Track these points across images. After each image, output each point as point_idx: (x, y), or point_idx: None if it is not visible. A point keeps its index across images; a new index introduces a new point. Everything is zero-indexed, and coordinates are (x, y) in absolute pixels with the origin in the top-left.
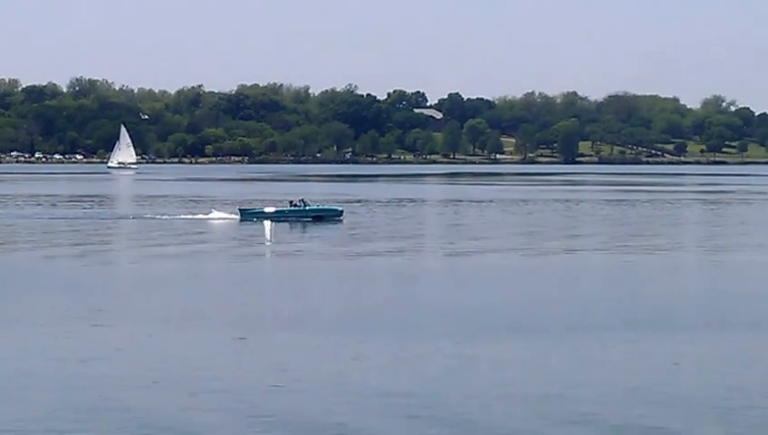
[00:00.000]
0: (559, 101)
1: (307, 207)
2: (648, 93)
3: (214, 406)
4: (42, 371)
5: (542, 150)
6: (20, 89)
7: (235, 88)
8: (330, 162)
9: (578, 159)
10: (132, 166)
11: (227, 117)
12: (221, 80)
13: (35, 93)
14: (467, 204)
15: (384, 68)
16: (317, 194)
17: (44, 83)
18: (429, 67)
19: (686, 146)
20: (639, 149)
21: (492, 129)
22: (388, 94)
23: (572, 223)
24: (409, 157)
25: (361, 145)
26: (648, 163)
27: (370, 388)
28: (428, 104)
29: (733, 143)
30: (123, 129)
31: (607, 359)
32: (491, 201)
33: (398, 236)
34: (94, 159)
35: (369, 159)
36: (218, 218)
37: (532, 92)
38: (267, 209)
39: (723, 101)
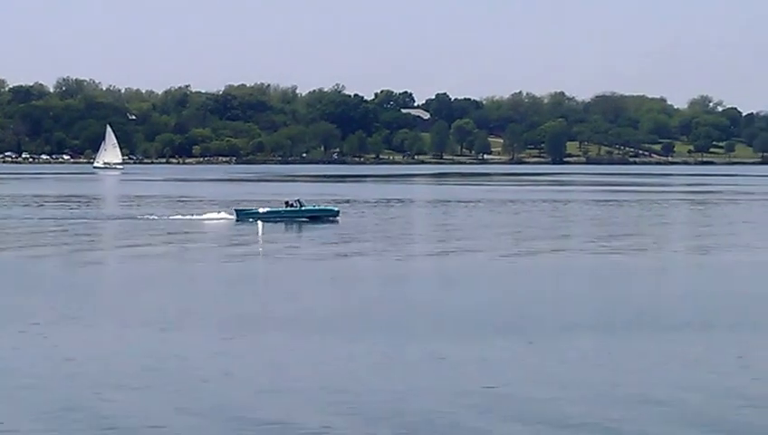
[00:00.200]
0: (546, 101)
1: (303, 208)
2: (635, 94)
3: (196, 405)
4: (29, 370)
5: (530, 151)
6: (6, 89)
7: (223, 88)
8: (317, 163)
9: (565, 159)
10: (118, 166)
11: (215, 117)
12: (208, 80)
13: (22, 93)
14: (455, 204)
15: (371, 68)
16: (305, 195)
17: (31, 83)
18: (417, 67)
19: (673, 146)
20: (627, 149)
21: (479, 129)
22: (376, 94)
23: (560, 223)
24: (398, 157)
25: (349, 145)
26: (635, 163)
27: (358, 387)
28: (416, 104)
29: (720, 143)
30: (109, 129)
31: (591, 359)
32: (479, 201)
33: (389, 236)
34: (81, 160)
35: (357, 159)
36: (214, 219)
37: (520, 93)
38: (263, 210)
39: (710, 102)
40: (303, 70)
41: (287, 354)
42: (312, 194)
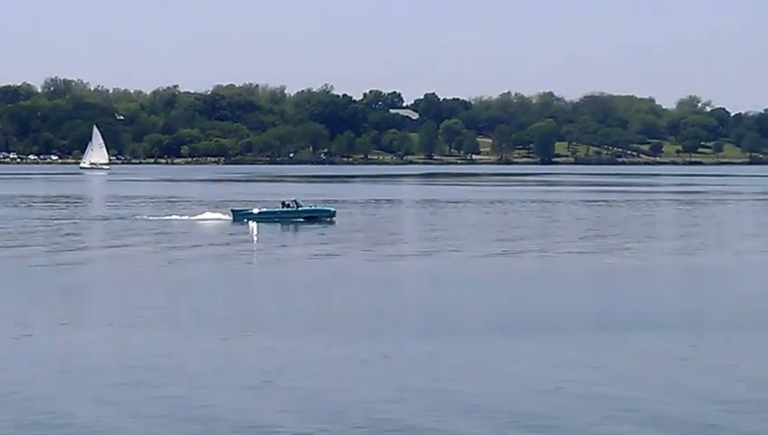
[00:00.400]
0: (535, 101)
1: (300, 208)
2: (623, 94)
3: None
4: (20, 370)
5: (519, 151)
6: None
7: (211, 88)
8: (305, 163)
9: (554, 159)
10: (104, 166)
11: (203, 117)
12: (197, 80)
13: (10, 94)
14: (448, 205)
15: (360, 68)
16: (295, 195)
17: (19, 84)
18: (405, 67)
19: (661, 146)
20: (615, 149)
21: (468, 129)
22: (364, 95)
23: (549, 224)
24: (386, 157)
25: (337, 145)
26: (623, 163)
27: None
28: (404, 105)
29: (708, 144)
30: (96, 129)
31: (579, 360)
32: (468, 202)
33: (388, 236)
34: (69, 160)
35: (345, 159)
36: (210, 219)
37: (509, 93)
38: (260, 210)
39: (698, 102)
40: (292, 70)
41: (281, 356)
42: (300, 195)
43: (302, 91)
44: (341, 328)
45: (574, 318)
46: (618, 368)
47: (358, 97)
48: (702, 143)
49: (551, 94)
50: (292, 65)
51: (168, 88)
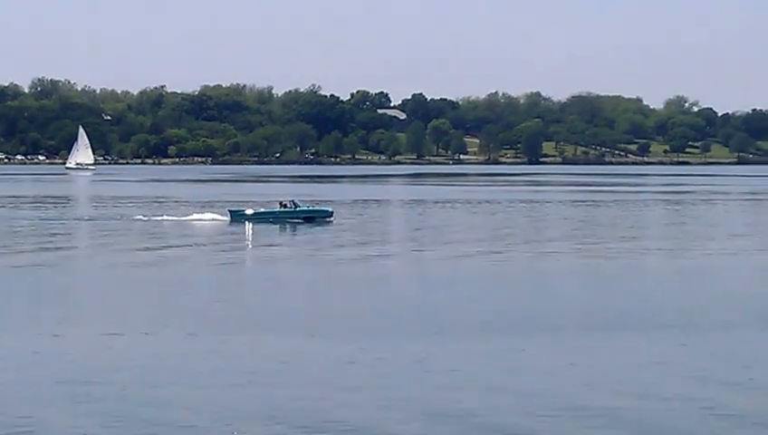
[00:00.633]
0: (522, 101)
1: (297, 208)
2: (611, 94)
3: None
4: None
5: (506, 151)
6: None
7: (198, 88)
8: (292, 163)
9: (541, 159)
10: (90, 167)
11: (190, 118)
12: (184, 80)
13: None
14: (441, 205)
15: (347, 68)
16: (284, 196)
17: (6, 84)
18: (393, 67)
19: (649, 146)
20: (603, 149)
21: (455, 129)
22: (352, 95)
23: (537, 224)
24: (374, 158)
25: (325, 146)
26: (611, 163)
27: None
28: (392, 105)
29: (696, 144)
30: (81, 129)
31: (567, 359)
32: (456, 202)
33: (387, 236)
34: (57, 160)
35: (333, 159)
36: (207, 220)
37: (496, 93)
38: (257, 211)
39: (686, 102)
40: (279, 70)
41: (271, 355)
42: (287, 195)
43: (290, 91)
44: (334, 328)
45: (560, 318)
46: (600, 369)
47: (345, 97)
48: (689, 143)
49: (538, 94)
50: (280, 65)
51: (156, 88)
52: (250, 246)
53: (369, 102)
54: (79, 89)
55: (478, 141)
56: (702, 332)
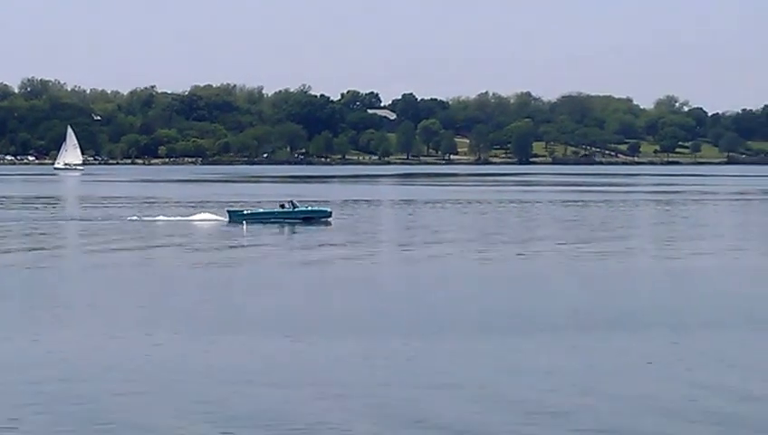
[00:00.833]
0: (513, 101)
1: (296, 209)
2: (601, 94)
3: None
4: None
5: (496, 151)
6: None
7: (189, 89)
8: (282, 163)
9: (532, 159)
10: (79, 167)
11: (180, 118)
12: (174, 80)
13: None
14: (434, 205)
15: (337, 69)
16: (275, 196)
17: None
18: (383, 67)
19: (639, 146)
20: (593, 149)
21: (446, 129)
22: (342, 95)
23: (527, 224)
24: (364, 158)
25: (315, 146)
26: (601, 163)
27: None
28: (382, 105)
29: (686, 144)
30: (70, 130)
31: (559, 359)
32: (447, 202)
33: (375, 237)
34: (47, 161)
35: (323, 159)
36: (206, 220)
37: (486, 93)
38: (256, 211)
39: (676, 102)
40: (269, 70)
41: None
42: (277, 196)
43: (280, 91)
44: (326, 328)
45: (549, 318)
46: (593, 368)
47: (335, 97)
48: (680, 143)
49: (528, 94)
50: (270, 65)
51: (146, 88)
52: (250, 247)
53: (360, 102)
54: (69, 89)
55: (468, 141)
56: (691, 331)
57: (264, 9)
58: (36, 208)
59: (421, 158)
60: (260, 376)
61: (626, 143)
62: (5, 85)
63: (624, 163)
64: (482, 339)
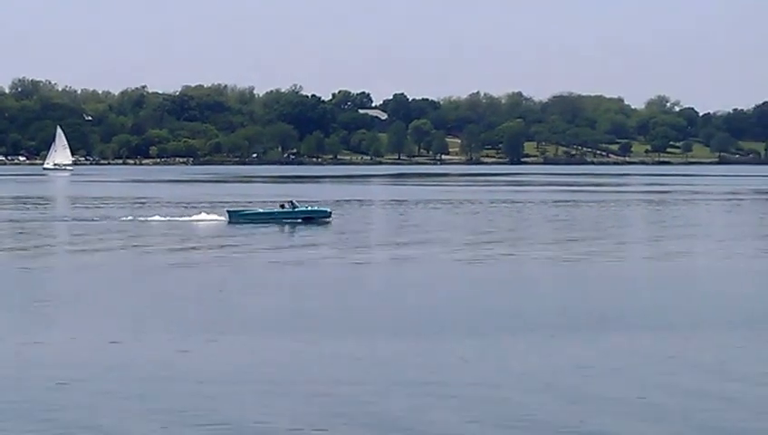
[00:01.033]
0: (504, 101)
1: (296, 209)
2: (592, 94)
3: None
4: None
5: (488, 151)
6: None
7: (180, 89)
8: (273, 163)
9: (523, 159)
10: (68, 167)
11: (172, 118)
12: (165, 81)
13: None
14: (415, 205)
15: (329, 69)
16: (271, 196)
17: None
18: (374, 67)
19: (630, 146)
20: (584, 149)
21: (437, 129)
22: (333, 95)
23: (518, 224)
24: (355, 158)
25: (306, 146)
26: (593, 163)
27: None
28: (373, 105)
29: (677, 143)
30: (59, 130)
31: (551, 360)
32: (439, 202)
33: (385, 236)
34: (37, 161)
35: (314, 159)
36: (205, 220)
37: (477, 93)
38: (256, 211)
39: (667, 102)
40: (260, 70)
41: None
42: (268, 196)
43: (271, 91)
44: (324, 328)
45: (539, 318)
46: (583, 369)
47: (327, 97)
48: (671, 143)
49: (519, 94)
50: (261, 65)
51: (137, 88)
52: (249, 247)
53: (351, 103)
54: (60, 89)
55: (460, 141)
56: (681, 331)
57: (254, 9)
58: (27, 209)
59: (413, 158)
60: (249, 376)
61: (617, 143)
62: None
63: (615, 163)
64: (475, 338)
